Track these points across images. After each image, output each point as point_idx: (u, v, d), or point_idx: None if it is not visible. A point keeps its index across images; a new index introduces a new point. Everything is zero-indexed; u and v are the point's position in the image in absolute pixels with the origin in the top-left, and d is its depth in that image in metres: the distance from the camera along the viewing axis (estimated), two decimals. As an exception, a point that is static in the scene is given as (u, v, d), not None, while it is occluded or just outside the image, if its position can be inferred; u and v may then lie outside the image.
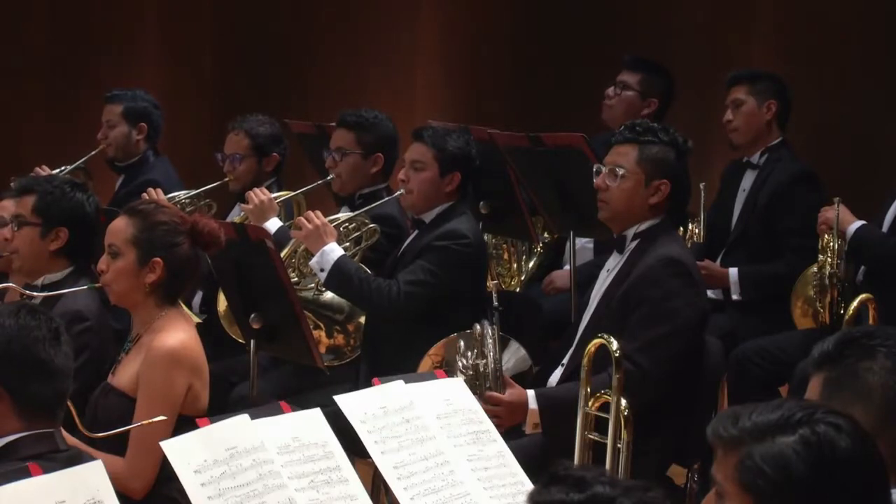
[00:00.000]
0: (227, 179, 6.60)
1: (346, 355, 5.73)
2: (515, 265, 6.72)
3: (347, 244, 5.72)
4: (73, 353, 4.52)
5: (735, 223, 6.38)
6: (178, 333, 4.19)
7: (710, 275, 6.00)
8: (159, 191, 6.25)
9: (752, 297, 6.19)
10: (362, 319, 5.71)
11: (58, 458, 3.23)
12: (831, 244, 5.77)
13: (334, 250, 5.51)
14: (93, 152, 7.13)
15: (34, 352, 3.31)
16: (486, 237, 6.24)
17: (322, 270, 5.49)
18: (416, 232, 5.73)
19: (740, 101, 6.40)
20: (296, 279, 5.66)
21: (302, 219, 5.60)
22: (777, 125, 6.40)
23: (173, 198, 6.38)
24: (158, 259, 4.23)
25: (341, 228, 5.73)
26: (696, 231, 6.43)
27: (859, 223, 5.79)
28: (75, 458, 3.27)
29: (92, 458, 3.31)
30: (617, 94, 6.95)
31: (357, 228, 5.80)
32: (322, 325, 5.72)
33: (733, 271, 6.22)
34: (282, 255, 5.48)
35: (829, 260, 5.76)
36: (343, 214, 5.90)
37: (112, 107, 7.16)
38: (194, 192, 6.57)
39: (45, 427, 3.31)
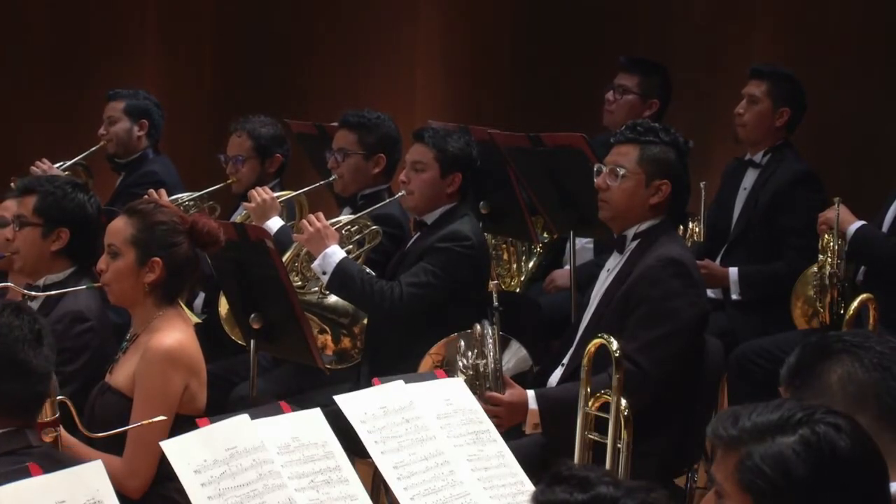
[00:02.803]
0: (230, 181, 6.61)
1: (352, 358, 5.72)
2: (515, 265, 6.72)
3: (350, 247, 5.72)
4: (75, 354, 4.57)
5: (735, 222, 6.38)
6: (174, 333, 4.19)
7: (709, 274, 6.00)
8: (162, 192, 6.25)
9: (751, 297, 6.18)
10: (366, 321, 5.71)
11: (33, 454, 3.24)
12: (831, 244, 5.77)
13: (336, 253, 5.50)
14: (93, 148, 7.15)
15: (13, 351, 3.33)
16: (485, 236, 6.24)
17: (324, 273, 5.49)
18: (417, 234, 5.72)
19: (756, 99, 6.38)
20: (299, 283, 5.66)
21: (304, 222, 5.60)
22: (786, 130, 6.39)
23: (176, 199, 6.38)
24: (158, 259, 4.23)
25: (343, 231, 5.72)
26: (697, 230, 6.43)
27: (859, 223, 5.79)
28: (49, 455, 3.28)
29: (63, 454, 3.33)
30: (617, 99, 6.94)
31: (359, 231, 5.80)
32: (328, 329, 5.72)
33: (733, 271, 6.22)
34: (284, 258, 5.49)
35: (829, 260, 5.75)
36: (345, 217, 5.89)
37: (114, 104, 7.20)
38: (197, 193, 6.58)
39: (16, 425, 3.31)
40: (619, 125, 6.49)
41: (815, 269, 5.82)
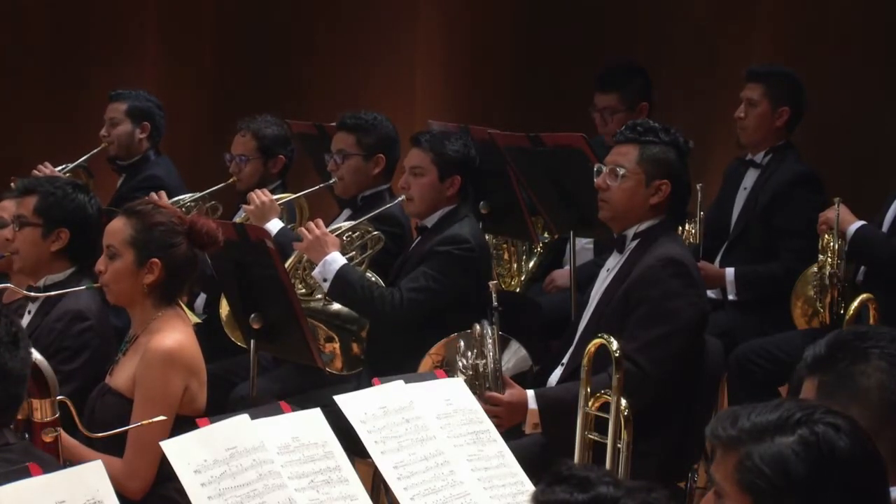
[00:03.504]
0: (232, 180, 6.61)
1: (363, 363, 5.72)
2: (515, 265, 6.72)
3: (353, 253, 5.71)
4: (75, 353, 4.58)
5: (735, 222, 6.37)
6: (174, 334, 4.20)
7: (706, 275, 5.99)
8: (162, 193, 6.26)
9: (747, 298, 6.17)
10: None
11: (12, 450, 3.24)
12: (831, 244, 5.77)
13: (336, 260, 5.51)
14: (95, 150, 7.14)
15: None
16: (486, 237, 6.23)
17: (325, 280, 5.49)
18: (419, 237, 5.72)
19: (754, 102, 6.35)
20: (303, 290, 5.66)
21: (303, 229, 5.60)
22: (786, 129, 6.37)
23: (178, 201, 6.39)
24: (156, 260, 4.23)
25: (345, 238, 5.72)
26: (693, 231, 6.40)
27: (859, 223, 5.78)
28: (27, 452, 3.28)
29: (43, 452, 3.36)
30: (607, 120, 6.83)
31: (361, 236, 5.79)
32: (336, 337, 5.72)
33: (730, 271, 6.21)
34: (286, 265, 5.48)
35: (829, 260, 5.75)
36: (345, 224, 5.87)
37: (116, 105, 7.18)
38: (199, 194, 6.58)
39: None
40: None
41: (815, 269, 5.82)
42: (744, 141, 6.43)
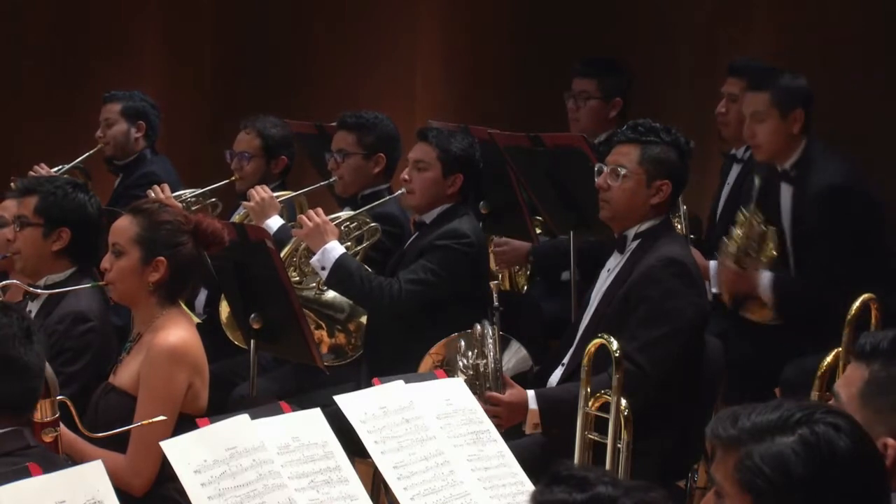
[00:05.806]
0: (233, 178, 6.61)
1: (347, 355, 5.74)
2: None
3: (349, 243, 5.73)
4: (77, 354, 4.58)
5: (719, 217, 6.34)
6: (178, 331, 4.20)
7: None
8: (165, 186, 6.26)
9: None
10: (363, 319, 5.72)
11: (30, 455, 3.25)
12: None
13: (335, 248, 5.52)
14: (91, 151, 7.15)
15: (4, 349, 3.33)
16: (485, 236, 6.23)
17: (323, 269, 5.51)
18: (417, 233, 5.73)
19: (736, 97, 6.28)
20: (297, 278, 5.67)
21: (303, 217, 5.61)
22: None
23: (180, 196, 6.39)
24: (162, 258, 4.24)
25: (342, 227, 5.74)
26: (679, 226, 6.33)
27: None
28: (45, 456, 3.28)
29: (60, 457, 3.37)
30: (580, 106, 6.78)
31: (358, 227, 5.81)
32: (324, 325, 5.74)
33: (713, 264, 6.16)
34: (283, 253, 5.50)
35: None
36: (344, 213, 5.91)
37: (111, 106, 7.18)
38: (200, 190, 6.58)
39: (13, 424, 3.32)
40: (586, 132, 6.41)
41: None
42: (725, 135, 6.42)
